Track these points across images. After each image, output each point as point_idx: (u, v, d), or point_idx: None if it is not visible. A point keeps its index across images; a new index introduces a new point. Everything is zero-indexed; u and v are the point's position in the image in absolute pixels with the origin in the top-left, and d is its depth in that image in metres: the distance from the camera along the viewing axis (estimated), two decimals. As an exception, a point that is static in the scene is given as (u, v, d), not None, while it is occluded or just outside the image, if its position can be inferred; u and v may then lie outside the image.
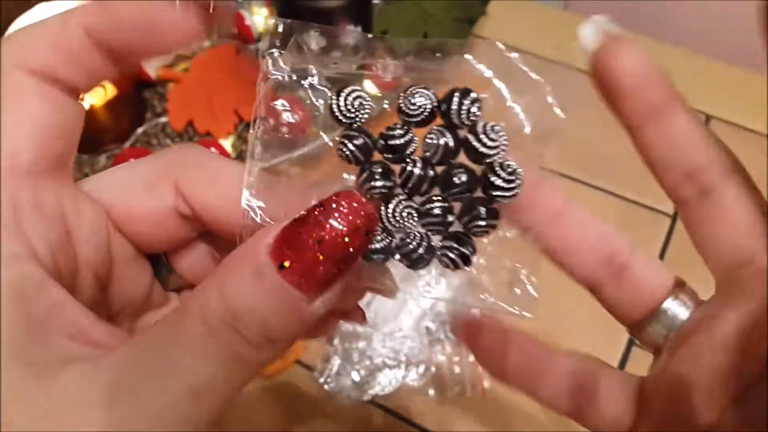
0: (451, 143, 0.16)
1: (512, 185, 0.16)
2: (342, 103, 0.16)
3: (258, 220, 0.16)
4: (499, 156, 0.16)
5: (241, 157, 0.57)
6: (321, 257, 0.14)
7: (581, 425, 0.20)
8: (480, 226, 0.16)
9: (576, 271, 0.19)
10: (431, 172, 0.16)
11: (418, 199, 0.16)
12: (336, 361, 0.49)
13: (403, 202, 0.16)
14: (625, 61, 0.17)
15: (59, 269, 0.16)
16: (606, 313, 0.20)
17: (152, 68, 0.61)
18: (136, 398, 0.14)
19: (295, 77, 0.16)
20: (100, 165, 0.58)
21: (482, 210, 0.16)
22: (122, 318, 0.20)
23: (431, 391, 0.49)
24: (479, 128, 0.16)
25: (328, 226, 0.14)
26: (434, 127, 0.16)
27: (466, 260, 0.16)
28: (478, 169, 0.16)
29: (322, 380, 0.49)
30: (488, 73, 0.16)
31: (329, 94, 0.16)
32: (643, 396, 0.19)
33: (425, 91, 0.16)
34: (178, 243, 0.19)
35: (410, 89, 0.16)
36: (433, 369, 0.49)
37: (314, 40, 0.17)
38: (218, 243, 0.20)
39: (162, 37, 0.16)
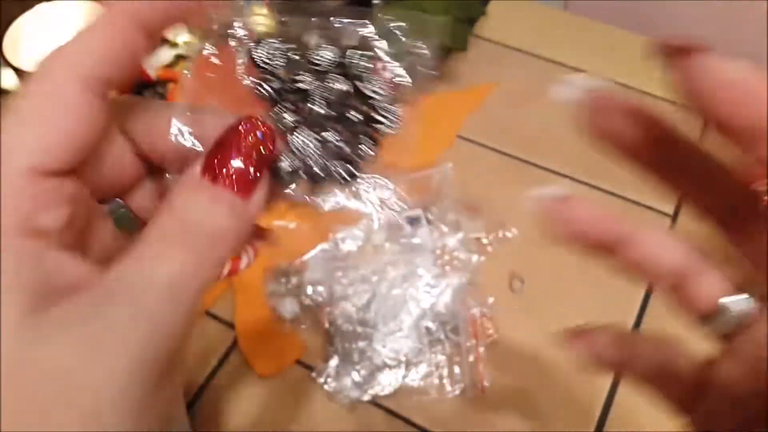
0: (346, 88, 0.20)
1: (389, 120, 0.21)
2: (261, 53, 0.20)
3: (187, 143, 0.20)
4: (381, 99, 0.21)
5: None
6: (243, 165, 0.18)
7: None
8: (364, 151, 0.21)
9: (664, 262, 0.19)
10: (330, 110, 0.21)
11: (318, 131, 0.21)
12: (336, 361, 0.49)
13: (307, 133, 0.20)
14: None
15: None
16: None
17: (152, 68, 0.61)
18: (122, 305, 0.16)
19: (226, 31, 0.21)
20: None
21: (367, 138, 0.21)
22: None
23: (431, 391, 0.49)
24: (367, 79, 0.21)
25: (243, 140, 0.19)
26: (333, 75, 0.20)
27: (353, 176, 0.21)
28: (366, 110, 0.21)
29: (322, 380, 0.49)
30: (380, 44, 0.21)
31: (251, 44, 0.20)
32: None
33: (332, 47, 0.20)
34: (132, 184, 0.21)
35: (320, 45, 0.20)
36: (433, 369, 0.49)
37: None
38: (162, 181, 0.22)
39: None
